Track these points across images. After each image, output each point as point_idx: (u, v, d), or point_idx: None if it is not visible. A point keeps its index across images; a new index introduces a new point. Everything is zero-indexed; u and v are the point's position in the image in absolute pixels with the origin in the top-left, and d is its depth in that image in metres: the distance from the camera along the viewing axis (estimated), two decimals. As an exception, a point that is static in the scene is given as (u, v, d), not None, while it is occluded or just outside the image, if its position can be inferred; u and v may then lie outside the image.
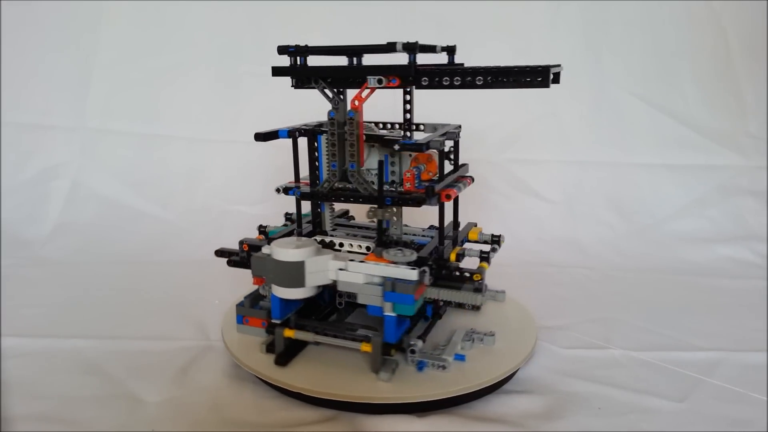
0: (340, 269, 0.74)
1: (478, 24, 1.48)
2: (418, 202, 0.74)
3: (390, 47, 0.73)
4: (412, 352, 0.76)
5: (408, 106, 0.83)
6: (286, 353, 0.78)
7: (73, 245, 1.34)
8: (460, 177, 0.84)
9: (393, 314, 0.72)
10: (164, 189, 1.49)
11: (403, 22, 1.48)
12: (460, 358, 0.77)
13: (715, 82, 1.52)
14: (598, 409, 0.76)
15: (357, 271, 0.73)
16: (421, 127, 0.86)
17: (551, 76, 0.67)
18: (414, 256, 0.74)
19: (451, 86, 0.70)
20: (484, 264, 0.79)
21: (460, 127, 0.84)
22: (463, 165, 0.86)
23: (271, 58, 0.80)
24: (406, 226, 0.88)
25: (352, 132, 0.76)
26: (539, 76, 0.66)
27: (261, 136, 0.80)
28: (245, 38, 1.49)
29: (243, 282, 1.03)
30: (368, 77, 0.74)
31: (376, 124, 0.89)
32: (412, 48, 0.71)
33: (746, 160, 1.52)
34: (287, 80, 0.80)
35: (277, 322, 0.78)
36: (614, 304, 1.11)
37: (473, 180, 0.86)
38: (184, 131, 1.51)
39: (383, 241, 0.81)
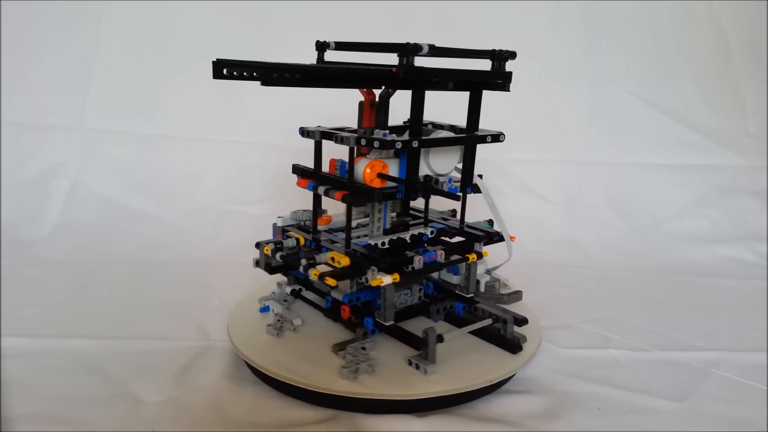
0: None
1: (478, 24, 1.48)
2: None
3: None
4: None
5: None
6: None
7: (73, 245, 1.33)
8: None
9: None
10: (164, 189, 1.49)
11: (403, 22, 1.48)
12: (264, 309, 0.90)
13: (715, 82, 1.52)
14: (598, 409, 0.76)
15: None
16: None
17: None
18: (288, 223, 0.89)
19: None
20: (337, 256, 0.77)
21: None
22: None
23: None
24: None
25: None
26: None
27: None
28: (245, 37, 1.48)
29: (243, 282, 1.04)
30: None
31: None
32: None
33: (746, 160, 1.52)
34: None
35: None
36: (614, 304, 1.11)
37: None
38: (184, 131, 1.51)
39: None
